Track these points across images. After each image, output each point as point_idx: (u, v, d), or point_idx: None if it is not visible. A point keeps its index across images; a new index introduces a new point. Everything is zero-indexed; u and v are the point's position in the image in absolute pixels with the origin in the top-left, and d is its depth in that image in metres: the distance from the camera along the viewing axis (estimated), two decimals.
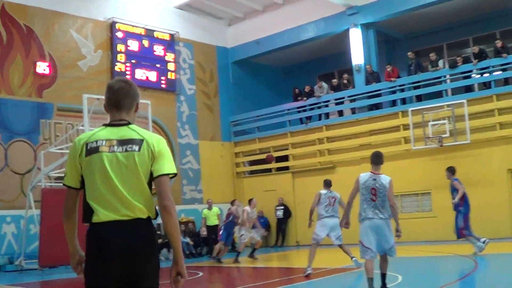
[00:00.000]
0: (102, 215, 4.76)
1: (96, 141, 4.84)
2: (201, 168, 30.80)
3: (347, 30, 29.12)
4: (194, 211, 28.72)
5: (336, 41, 30.33)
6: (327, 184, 17.16)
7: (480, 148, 23.91)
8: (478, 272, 14.44)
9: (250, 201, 22.34)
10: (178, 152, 29.83)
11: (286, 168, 30.56)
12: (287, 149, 30.61)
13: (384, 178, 11.32)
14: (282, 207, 29.20)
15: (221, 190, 30.90)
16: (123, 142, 4.84)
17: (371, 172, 11.50)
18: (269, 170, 31.14)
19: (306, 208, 27.45)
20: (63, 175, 19.13)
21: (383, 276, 11.32)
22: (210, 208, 24.47)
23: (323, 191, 16.67)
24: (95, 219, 4.79)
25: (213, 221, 24.54)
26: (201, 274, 18.48)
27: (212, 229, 24.49)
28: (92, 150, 4.82)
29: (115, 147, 4.83)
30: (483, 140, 23.96)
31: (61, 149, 23.21)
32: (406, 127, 25.69)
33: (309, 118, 30.25)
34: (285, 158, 30.72)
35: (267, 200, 29.34)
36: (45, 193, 21.35)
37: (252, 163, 32.44)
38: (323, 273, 16.12)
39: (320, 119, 29.86)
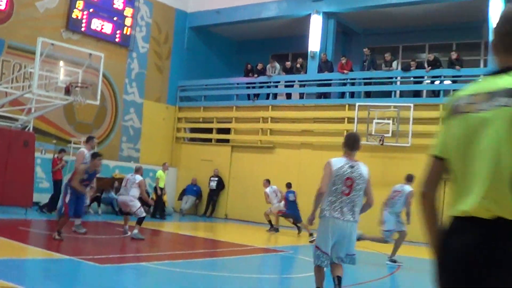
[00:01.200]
0: (458, 205, 3.25)
1: (461, 98, 3.37)
2: (142, 127, 30.68)
3: (309, 15, 29.18)
4: (129, 169, 28.59)
5: (296, 24, 30.41)
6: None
7: (419, 153, 24.09)
8: (400, 273, 14.77)
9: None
10: (122, 109, 29.66)
11: (227, 141, 30.63)
12: (230, 122, 30.68)
13: (364, 168, 9.16)
14: (216, 178, 29.21)
15: (159, 152, 30.85)
16: (492, 96, 3.19)
17: (346, 157, 9.12)
18: (209, 140, 31.18)
19: (240, 182, 27.95)
20: (5, 114, 18.95)
21: (339, 279, 8.97)
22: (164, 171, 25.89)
23: None
24: (452, 210, 3.31)
25: (164, 183, 26.14)
26: (129, 233, 18.48)
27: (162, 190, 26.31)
28: (454, 111, 3.37)
29: (481, 104, 3.23)
30: (423, 146, 24.30)
31: (6, 88, 22.95)
32: (350, 120, 26.00)
33: (256, 96, 30.36)
34: (227, 131, 30.81)
35: (202, 170, 29.42)
36: None
37: (193, 130, 32.46)
38: (253, 251, 16.30)
39: (267, 98, 30.01)
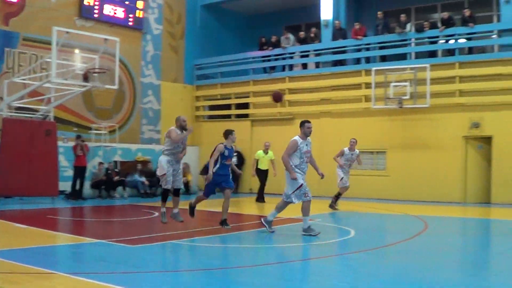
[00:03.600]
0: None
1: None
2: (161, 108, 30.84)
3: None
4: (151, 151, 28.84)
5: None
6: None
7: (438, 113, 24.43)
8: (427, 233, 14.88)
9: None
10: (140, 91, 29.82)
11: (246, 115, 30.77)
12: (248, 97, 30.79)
13: None
14: (235, 154, 29.15)
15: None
16: None
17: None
18: (229, 116, 31.31)
19: None
20: (25, 105, 19.05)
21: None
22: (266, 152, 23.70)
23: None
24: None
25: (265, 165, 23.71)
26: (157, 214, 18.70)
27: (263, 173, 23.87)
28: None
29: None
30: (442, 105, 24.46)
31: (24, 79, 23.13)
32: (368, 85, 26.04)
33: (272, 68, 30.40)
34: (245, 106, 30.93)
35: None
36: (6, 122, 21.36)
37: (212, 108, 32.59)
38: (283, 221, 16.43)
39: (283, 70, 30.14)
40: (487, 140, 23.98)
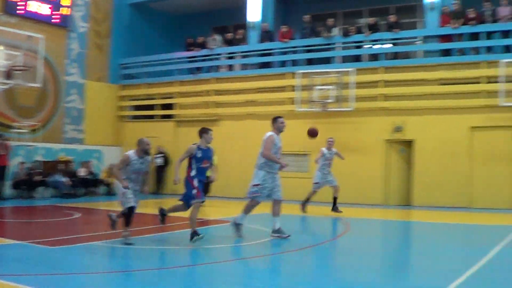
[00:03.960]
0: None
1: None
2: (85, 108, 30.34)
3: None
4: (74, 151, 28.42)
5: None
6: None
7: (362, 117, 24.78)
8: (349, 234, 15.02)
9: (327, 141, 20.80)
10: (64, 90, 29.28)
11: (170, 116, 30.58)
12: (173, 97, 30.63)
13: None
14: (161, 155, 29.07)
15: (103, 132, 30.71)
16: None
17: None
18: (152, 116, 31.12)
19: None
20: None
21: None
22: None
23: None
24: None
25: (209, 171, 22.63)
26: (79, 215, 18.45)
27: (207, 178, 22.78)
28: None
29: None
30: (366, 109, 24.80)
31: None
32: (293, 88, 26.23)
33: (199, 69, 30.30)
34: (170, 106, 30.77)
35: None
36: None
37: (137, 108, 32.30)
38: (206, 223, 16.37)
39: (210, 71, 30.04)
40: (409, 143, 24.39)
